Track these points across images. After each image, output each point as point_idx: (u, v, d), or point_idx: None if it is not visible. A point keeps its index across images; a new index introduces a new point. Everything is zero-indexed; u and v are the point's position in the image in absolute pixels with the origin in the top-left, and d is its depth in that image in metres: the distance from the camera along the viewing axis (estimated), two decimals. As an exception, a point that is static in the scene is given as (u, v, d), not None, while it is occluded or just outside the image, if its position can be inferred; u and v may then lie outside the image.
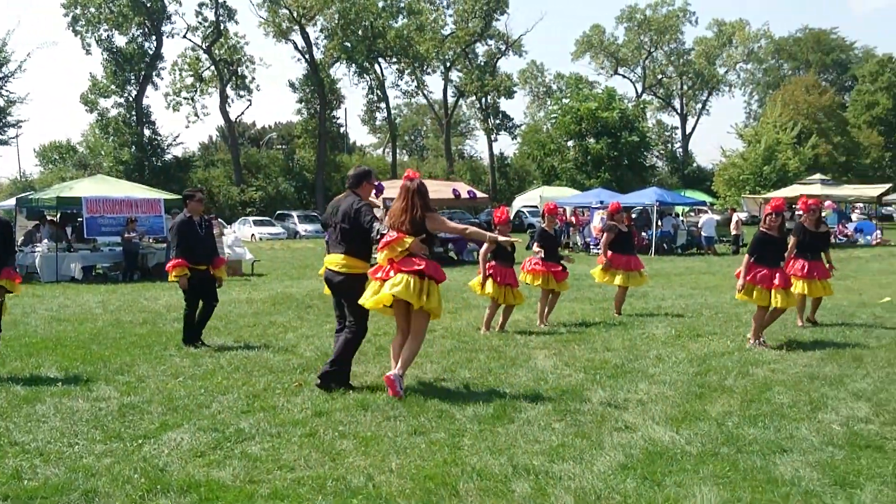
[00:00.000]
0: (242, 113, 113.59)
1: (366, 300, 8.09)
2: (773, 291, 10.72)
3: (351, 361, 8.55)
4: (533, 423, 7.12)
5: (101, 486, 5.56)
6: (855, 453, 6.24)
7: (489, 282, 11.89)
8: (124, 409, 7.62)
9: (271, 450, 6.36)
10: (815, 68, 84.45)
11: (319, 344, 11.11)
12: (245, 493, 5.43)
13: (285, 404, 7.76)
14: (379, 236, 8.01)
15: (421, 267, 7.96)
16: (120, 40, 63.71)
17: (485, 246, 11.88)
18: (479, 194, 31.15)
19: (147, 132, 64.79)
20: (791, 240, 12.49)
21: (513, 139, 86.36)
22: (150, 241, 24.20)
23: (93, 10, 61.93)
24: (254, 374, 9.14)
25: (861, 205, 47.03)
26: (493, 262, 12.01)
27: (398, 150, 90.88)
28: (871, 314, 13.78)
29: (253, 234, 48.39)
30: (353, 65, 71.14)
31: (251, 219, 53.03)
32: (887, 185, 48.34)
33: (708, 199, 54.35)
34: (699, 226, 34.92)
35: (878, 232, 39.41)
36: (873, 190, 44.83)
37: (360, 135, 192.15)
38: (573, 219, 37.39)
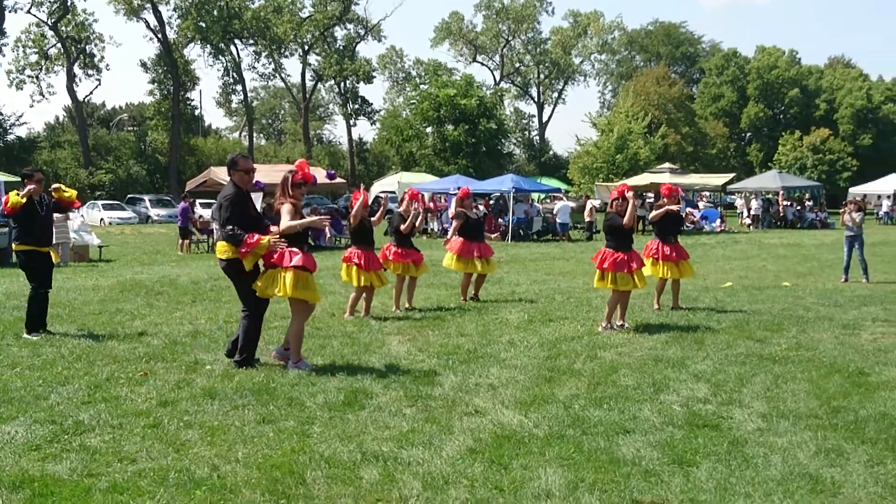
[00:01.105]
0: (91, 93, 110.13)
1: (255, 288, 8.43)
2: (633, 275, 11.03)
3: (254, 343, 8.68)
4: (384, 409, 7.10)
5: (-75, 484, 5.25)
6: (693, 432, 6.45)
7: (354, 269, 11.86)
8: (-46, 403, 7.23)
9: (112, 442, 6.14)
10: (666, 61, 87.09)
11: (168, 332, 10.80)
12: (82, 488, 5.21)
13: (129, 394, 7.51)
14: (232, 234, 8.21)
15: (291, 263, 8.29)
16: (-42, 14, 60.47)
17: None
18: (339, 179, 30.79)
19: (-13, 111, 61.66)
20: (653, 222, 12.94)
21: (372, 124, 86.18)
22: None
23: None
24: (96, 364, 8.80)
25: (707, 193, 48.85)
26: (355, 248, 11.97)
27: (255, 134, 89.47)
28: (714, 298, 14.31)
29: (102, 219, 46.73)
30: (208, 45, 69.46)
31: (100, 202, 51.09)
32: (731, 175, 50.50)
33: (563, 186, 55.45)
34: (554, 212, 35.59)
35: (720, 220, 41.04)
36: (718, 179, 46.81)
37: (215, 117, 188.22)
38: (431, 205, 37.57)
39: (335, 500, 5.09)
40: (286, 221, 8.40)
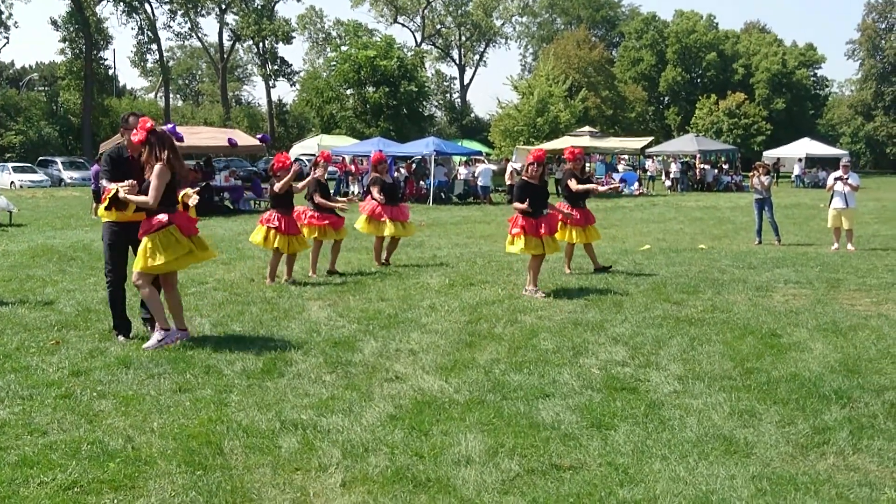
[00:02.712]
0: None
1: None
2: (542, 239, 11.07)
3: (119, 309, 8.40)
4: (303, 376, 7.04)
5: None
6: (611, 395, 6.53)
7: (273, 232, 11.67)
8: None
9: (21, 413, 5.97)
10: (587, 24, 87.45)
11: (81, 298, 10.53)
12: (-11, 462, 5.06)
13: (39, 364, 7.31)
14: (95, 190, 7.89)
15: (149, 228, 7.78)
16: None
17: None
18: (253, 141, 30.34)
19: None
20: (571, 185, 12.99)
21: (291, 86, 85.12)
22: None
23: None
24: (6, 333, 8.54)
25: (626, 156, 49.36)
26: (274, 211, 11.75)
27: (172, 95, 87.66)
28: (632, 261, 14.49)
29: (12, 182, 45.40)
30: (122, 3, 67.61)
31: (10, 165, 49.56)
32: (650, 138, 51.06)
33: (485, 149, 55.49)
34: (475, 175, 35.64)
35: (638, 183, 41.56)
36: (637, 142, 47.24)
37: (130, 77, 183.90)
38: (352, 167, 37.32)
39: (253, 469, 5.03)
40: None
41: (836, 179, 17.19)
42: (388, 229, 13.68)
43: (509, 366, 7.42)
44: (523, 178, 11.40)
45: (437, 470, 5.01)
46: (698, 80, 78.86)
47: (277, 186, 11.91)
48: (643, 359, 7.71)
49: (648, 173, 47.33)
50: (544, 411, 6.11)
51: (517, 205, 11.02)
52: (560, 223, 12.58)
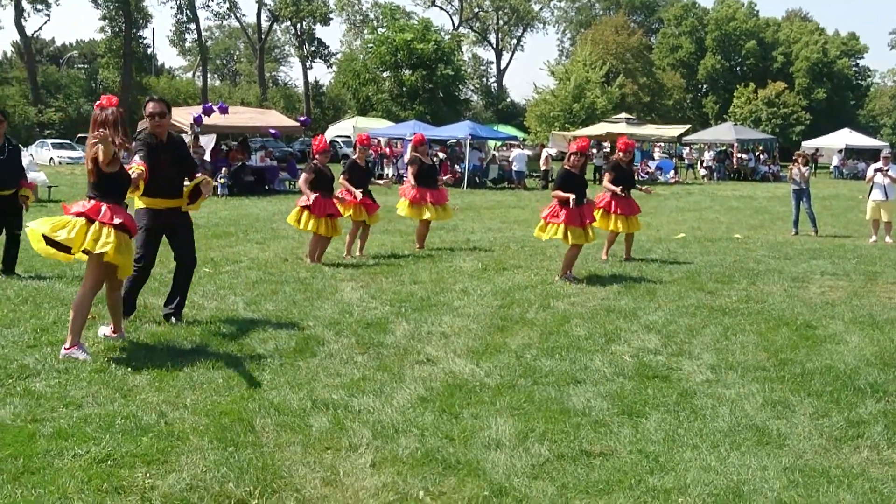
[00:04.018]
0: (40, 28, 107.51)
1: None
2: (585, 228, 11.03)
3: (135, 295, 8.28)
4: (335, 356, 7.07)
5: None
6: (643, 383, 6.50)
7: (305, 214, 11.69)
8: None
9: (57, 386, 6.04)
10: (625, 9, 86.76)
11: (117, 275, 10.60)
12: (26, 433, 5.12)
13: (76, 338, 7.37)
14: None
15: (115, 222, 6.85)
16: None
17: (303, 175, 12.02)
18: (293, 122, 30.45)
19: (-69, 46, 60.04)
20: (607, 176, 12.92)
21: (328, 68, 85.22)
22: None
23: None
24: (43, 307, 8.65)
25: (662, 144, 48.99)
26: (316, 193, 11.75)
27: (210, 75, 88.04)
28: (667, 250, 14.41)
29: (52, 158, 45.80)
30: (161, -18, 67.90)
31: (50, 141, 50.04)
32: (687, 126, 50.64)
33: (520, 134, 55.30)
34: (510, 160, 35.54)
35: (673, 171, 41.27)
36: (674, 130, 46.88)
37: (169, 56, 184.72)
38: (387, 150, 37.33)
39: (284, 447, 5.06)
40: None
41: (875, 171, 16.97)
42: (429, 213, 13.69)
43: (541, 351, 7.41)
44: (565, 167, 11.29)
45: (467, 453, 5.01)
46: (737, 69, 78.02)
47: (302, 179, 11.97)
48: (676, 347, 7.67)
49: (686, 162, 46.98)
50: (575, 397, 6.09)
51: (559, 194, 10.90)
52: (603, 211, 12.54)
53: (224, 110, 25.69)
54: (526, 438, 5.26)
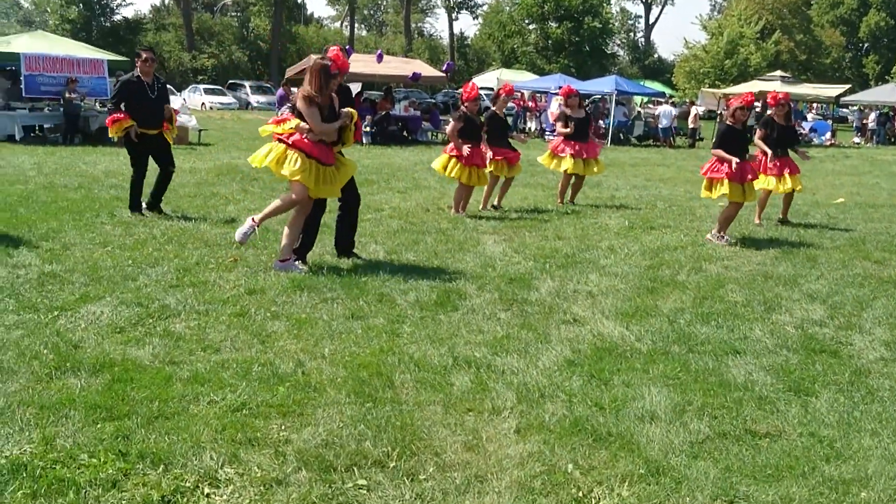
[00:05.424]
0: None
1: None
2: (744, 186, 10.41)
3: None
4: (477, 311, 6.77)
5: (6, 361, 5.12)
6: (810, 358, 5.98)
7: (452, 162, 11.46)
8: (44, 278, 7.12)
9: (196, 329, 5.95)
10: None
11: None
12: (163, 376, 5.02)
13: (217, 280, 7.32)
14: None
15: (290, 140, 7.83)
16: None
17: (451, 124, 11.81)
18: (436, 72, 30.26)
19: (95, -10, 62.15)
20: (759, 133, 12.17)
21: (474, 19, 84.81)
22: (94, 103, 23.10)
23: None
24: (187, 247, 8.65)
25: (816, 105, 46.75)
26: (468, 144, 11.47)
27: (357, 25, 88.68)
28: (826, 214, 13.57)
29: (203, 103, 46.92)
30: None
31: (202, 87, 51.25)
32: (846, 87, 48.11)
33: (667, 90, 53.75)
34: (656, 116, 34.46)
35: (830, 133, 39.29)
36: (832, 90, 44.54)
37: (318, 6, 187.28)
38: (531, 103, 36.73)
39: (424, 406, 4.79)
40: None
41: None
42: (567, 164, 13.24)
43: (695, 316, 6.94)
44: (727, 122, 10.66)
45: (619, 424, 4.64)
46: (904, 26, 73.69)
47: (451, 128, 11.72)
48: (843, 320, 7.08)
49: (853, 123, 44.64)
50: (735, 369, 5.63)
51: (721, 153, 10.29)
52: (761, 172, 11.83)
53: (380, 58, 25.94)
54: (683, 412, 4.85)
